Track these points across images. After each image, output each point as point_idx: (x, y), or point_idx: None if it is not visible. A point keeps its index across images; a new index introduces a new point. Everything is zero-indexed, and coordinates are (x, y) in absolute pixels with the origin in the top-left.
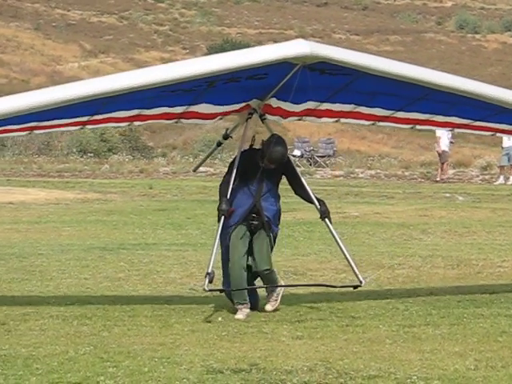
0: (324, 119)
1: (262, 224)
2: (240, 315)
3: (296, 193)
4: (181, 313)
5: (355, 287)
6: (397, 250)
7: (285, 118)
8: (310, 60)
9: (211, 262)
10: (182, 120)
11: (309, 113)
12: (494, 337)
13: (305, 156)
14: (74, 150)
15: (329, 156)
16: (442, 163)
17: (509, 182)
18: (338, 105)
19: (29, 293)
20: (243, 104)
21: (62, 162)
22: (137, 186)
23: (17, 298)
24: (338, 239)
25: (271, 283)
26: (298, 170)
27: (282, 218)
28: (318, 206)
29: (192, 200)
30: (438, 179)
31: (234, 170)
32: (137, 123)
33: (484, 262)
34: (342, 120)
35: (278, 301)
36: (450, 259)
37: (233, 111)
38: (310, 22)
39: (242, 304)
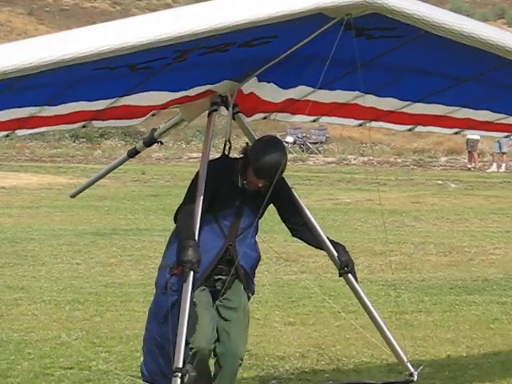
0: (298, 117)
1: (236, 277)
2: None
3: (295, 233)
4: None
5: (407, 382)
6: (389, 236)
7: (248, 116)
8: (359, 10)
9: (181, 353)
10: (93, 122)
11: (286, 106)
12: (486, 324)
13: (297, 143)
14: (67, 135)
15: (321, 142)
16: (469, 152)
17: (501, 170)
18: (336, 92)
19: (21, 278)
20: (203, 88)
21: (54, 147)
22: (129, 172)
23: (9, 282)
24: (372, 308)
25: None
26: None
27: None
28: (335, 254)
29: (184, 186)
30: (469, 167)
31: (199, 194)
32: (20, 132)
33: (476, 249)
34: (323, 119)
35: None
36: (442, 246)
37: (183, 100)
38: None
39: None
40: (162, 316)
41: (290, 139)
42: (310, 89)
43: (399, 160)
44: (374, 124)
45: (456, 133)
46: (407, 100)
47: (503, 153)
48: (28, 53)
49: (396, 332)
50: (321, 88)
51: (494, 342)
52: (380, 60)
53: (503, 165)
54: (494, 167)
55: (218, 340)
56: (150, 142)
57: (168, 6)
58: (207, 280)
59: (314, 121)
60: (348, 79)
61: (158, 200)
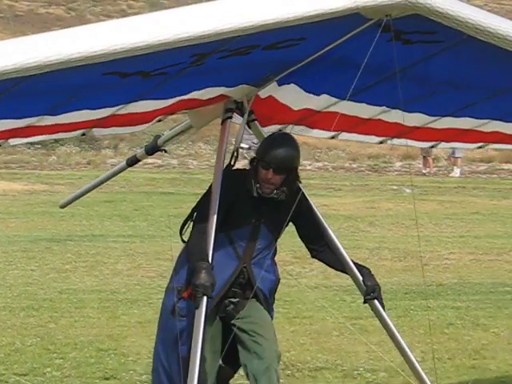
0: (316, 131)
1: (255, 298)
2: None
3: (315, 254)
4: (128, 304)
5: None
6: (344, 241)
7: (263, 126)
8: (400, 11)
9: None
10: (94, 130)
11: (304, 118)
12: (440, 329)
13: (252, 148)
14: None
15: None
16: (424, 157)
17: (451, 174)
18: (361, 106)
19: None
20: (217, 92)
21: (9, 153)
22: (84, 178)
23: None
24: (398, 336)
25: None
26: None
27: None
28: (360, 278)
29: (139, 192)
30: (424, 172)
31: (213, 210)
32: (13, 141)
33: (431, 254)
34: (342, 135)
35: None
36: (396, 251)
37: (193, 103)
38: None
39: None
40: (171, 342)
41: (244, 145)
42: (334, 99)
43: (354, 165)
44: (395, 141)
45: (479, 147)
46: (436, 115)
47: (458, 157)
48: (31, 50)
49: (351, 337)
50: (345, 99)
51: (449, 346)
52: (414, 69)
53: (455, 169)
54: (455, 172)
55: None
56: (152, 149)
57: (123, 12)
58: (218, 305)
59: (333, 137)
60: (376, 91)
61: (112, 206)
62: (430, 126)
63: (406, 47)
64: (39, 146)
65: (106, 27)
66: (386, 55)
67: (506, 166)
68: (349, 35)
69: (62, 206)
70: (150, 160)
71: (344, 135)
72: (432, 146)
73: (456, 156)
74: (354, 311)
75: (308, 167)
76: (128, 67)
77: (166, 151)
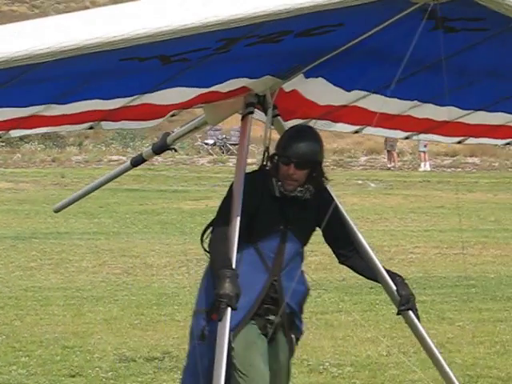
0: (340, 125)
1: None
2: None
3: (343, 260)
4: (93, 301)
5: None
6: None
7: (284, 120)
8: None
9: None
10: (102, 123)
11: (328, 112)
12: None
13: (217, 144)
14: None
15: None
16: (389, 151)
17: (420, 169)
18: (391, 101)
19: None
20: (239, 83)
21: None
22: (49, 175)
23: None
24: (435, 351)
25: None
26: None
27: (194, 206)
28: (393, 287)
29: (104, 189)
30: (389, 166)
31: (236, 213)
32: (14, 132)
33: (396, 248)
34: (367, 130)
35: None
36: None
37: (212, 96)
38: None
39: None
40: (202, 371)
41: (209, 141)
42: (363, 93)
43: None
44: (422, 137)
45: (508, 143)
46: (469, 109)
47: (424, 152)
48: (44, 36)
49: (316, 332)
50: (375, 92)
51: (414, 340)
52: (453, 60)
53: (427, 163)
54: (423, 166)
55: None
56: (161, 148)
57: (87, 9)
58: (257, 321)
59: (357, 132)
60: (409, 83)
61: (77, 203)
62: (460, 120)
63: (448, 36)
64: (3, 144)
65: (126, 10)
66: (425, 45)
67: (470, 160)
68: (389, 21)
69: (57, 211)
70: (114, 157)
71: (369, 129)
72: (459, 142)
73: (422, 150)
74: (320, 306)
75: None
76: (147, 50)
77: (175, 150)
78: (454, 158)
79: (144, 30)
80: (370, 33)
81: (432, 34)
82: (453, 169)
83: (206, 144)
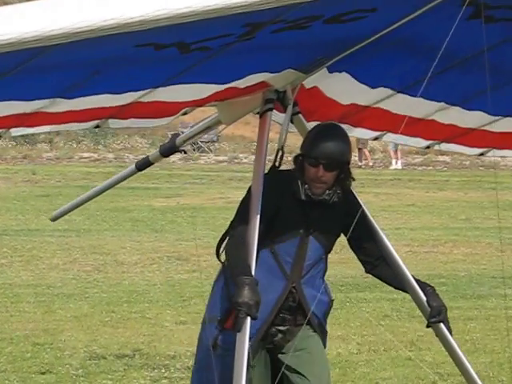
0: (359, 130)
1: (311, 327)
2: None
3: (369, 269)
4: (64, 299)
5: None
6: None
7: (308, 120)
8: None
9: None
10: (110, 121)
11: (349, 114)
12: (376, 321)
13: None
14: None
15: (213, 141)
16: (360, 149)
17: (391, 167)
18: (417, 101)
19: None
20: (258, 78)
21: None
22: (20, 172)
23: None
24: (469, 366)
25: None
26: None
27: (165, 203)
28: (423, 298)
29: (75, 186)
30: (360, 164)
31: (254, 217)
32: (16, 131)
33: None
34: (387, 136)
35: None
36: None
37: (230, 93)
38: None
39: None
40: (213, 381)
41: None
42: (389, 91)
43: (290, 158)
44: (443, 146)
45: None
46: (498, 114)
47: (395, 150)
48: (56, 16)
49: None
50: (401, 91)
51: (385, 338)
52: (488, 55)
53: (399, 161)
54: (394, 164)
55: None
56: (169, 150)
57: None
58: (264, 333)
59: (377, 138)
60: (437, 81)
61: (48, 200)
62: (486, 128)
63: (487, 26)
64: None
65: None
66: (459, 37)
67: (441, 158)
68: (428, 6)
69: (54, 219)
70: (85, 154)
71: (389, 136)
72: (481, 154)
73: (394, 148)
74: None
75: (244, 160)
76: (166, 37)
77: (185, 152)
78: (425, 157)
79: (164, 11)
80: (404, 20)
81: (469, 23)
82: (424, 167)
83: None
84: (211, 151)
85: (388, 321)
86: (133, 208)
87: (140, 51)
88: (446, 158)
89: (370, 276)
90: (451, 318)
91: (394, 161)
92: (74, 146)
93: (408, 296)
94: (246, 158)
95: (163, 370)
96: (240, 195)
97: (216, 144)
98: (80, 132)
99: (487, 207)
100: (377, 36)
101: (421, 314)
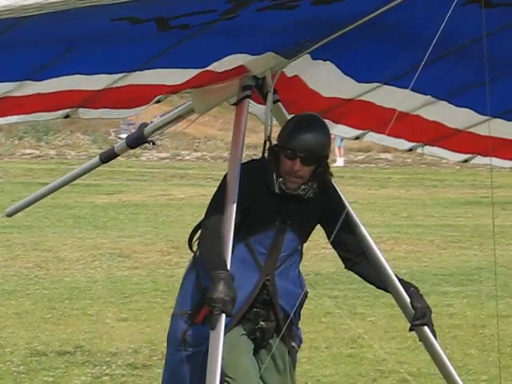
0: (340, 127)
1: (274, 327)
2: None
3: (350, 266)
4: (5, 295)
5: None
6: None
7: (290, 112)
8: None
9: None
10: (80, 111)
11: (330, 108)
12: (318, 318)
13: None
14: None
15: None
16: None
17: (334, 164)
18: (404, 93)
19: None
20: (237, 60)
21: None
22: None
23: None
24: (453, 371)
25: None
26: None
27: (107, 200)
28: (407, 298)
29: (17, 182)
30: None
31: (230, 209)
32: None
33: (309, 243)
34: (369, 136)
35: None
36: None
37: (206, 77)
38: None
39: None
40: (181, 381)
41: (123, 135)
42: (374, 84)
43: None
44: (426, 149)
45: None
46: (485, 114)
47: (340, 147)
48: None
49: None
50: (386, 83)
51: (326, 335)
52: (483, 43)
53: (342, 159)
54: (338, 161)
55: None
56: (137, 141)
57: None
58: (245, 325)
59: (358, 138)
60: (425, 72)
61: None
62: (472, 130)
63: (483, 12)
64: None
65: None
66: (454, 23)
67: (383, 156)
68: None
69: (10, 215)
70: (27, 150)
71: (371, 135)
72: (465, 160)
73: (339, 145)
74: None
75: (186, 157)
76: (144, 11)
77: (153, 143)
78: (368, 154)
79: None
80: (394, 2)
81: (465, 9)
82: (366, 164)
83: (120, 138)
84: (153, 148)
85: (329, 318)
86: (74, 205)
87: (115, 26)
88: (388, 156)
89: (313, 273)
90: (393, 315)
91: (338, 158)
92: (16, 142)
93: (349, 293)
94: (188, 155)
95: (104, 367)
96: (182, 192)
97: (158, 141)
98: (22, 128)
99: (429, 205)
100: (365, 19)
101: (362, 311)
